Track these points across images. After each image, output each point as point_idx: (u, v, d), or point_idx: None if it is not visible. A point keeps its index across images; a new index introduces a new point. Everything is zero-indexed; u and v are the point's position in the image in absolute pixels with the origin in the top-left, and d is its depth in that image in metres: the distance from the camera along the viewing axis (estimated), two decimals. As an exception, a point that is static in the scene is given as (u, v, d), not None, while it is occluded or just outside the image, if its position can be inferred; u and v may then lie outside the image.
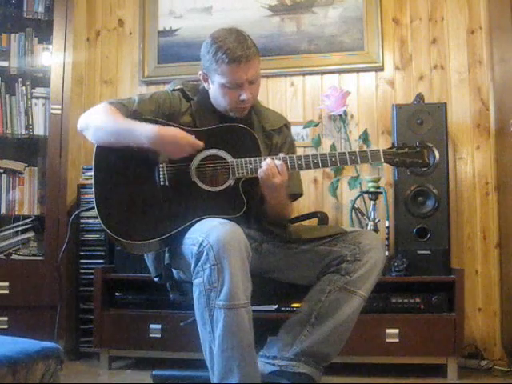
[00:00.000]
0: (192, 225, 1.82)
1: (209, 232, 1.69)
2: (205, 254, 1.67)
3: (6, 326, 2.87)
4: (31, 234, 3.12)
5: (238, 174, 1.90)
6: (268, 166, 1.85)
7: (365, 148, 3.12)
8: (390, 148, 1.94)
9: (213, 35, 1.96)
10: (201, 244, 1.68)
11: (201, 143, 1.88)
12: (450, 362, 2.64)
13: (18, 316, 2.91)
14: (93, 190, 1.91)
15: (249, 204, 1.91)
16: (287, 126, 2.18)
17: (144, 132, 1.83)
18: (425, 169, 1.98)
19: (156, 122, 1.90)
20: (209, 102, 2.04)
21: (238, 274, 1.65)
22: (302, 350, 1.89)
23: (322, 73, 3.34)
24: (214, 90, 1.97)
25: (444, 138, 2.85)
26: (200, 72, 2.00)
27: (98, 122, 1.92)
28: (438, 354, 2.65)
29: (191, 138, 1.86)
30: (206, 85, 2.01)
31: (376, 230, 2.91)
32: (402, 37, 3.27)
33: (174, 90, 2.07)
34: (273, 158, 1.86)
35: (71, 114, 3.05)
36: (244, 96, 1.93)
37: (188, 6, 3.47)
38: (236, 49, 1.88)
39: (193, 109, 2.02)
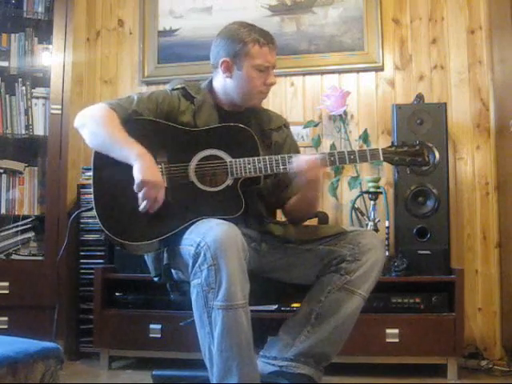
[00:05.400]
0: (190, 225, 1.82)
1: (206, 233, 1.69)
2: (202, 254, 1.67)
3: (5, 326, 2.87)
4: (31, 234, 3.13)
5: (237, 174, 1.90)
6: (302, 160, 1.87)
7: (365, 148, 3.12)
8: (390, 147, 1.94)
9: (235, 23, 2.02)
10: (198, 245, 1.68)
11: (161, 200, 1.84)
12: (449, 361, 2.64)
13: (18, 316, 2.91)
14: (91, 190, 1.91)
15: (247, 204, 1.91)
16: (286, 125, 2.19)
17: (133, 152, 1.83)
18: (425, 167, 1.98)
19: (154, 122, 1.92)
20: (212, 100, 2.04)
21: (236, 274, 1.65)
22: (302, 351, 1.89)
23: (322, 73, 3.34)
24: (241, 76, 1.97)
25: (444, 138, 2.85)
26: (222, 60, 1.98)
27: (91, 127, 1.93)
28: (437, 353, 2.65)
29: (162, 190, 1.83)
30: (225, 74, 1.99)
31: (376, 229, 2.91)
32: (402, 37, 3.27)
33: (173, 89, 2.07)
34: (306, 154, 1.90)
35: (71, 113, 3.04)
36: (271, 79, 1.99)
37: (188, 6, 3.47)
38: (266, 34, 1.99)
39: (195, 107, 2.02)
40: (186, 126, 1.97)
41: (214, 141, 1.94)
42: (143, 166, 1.81)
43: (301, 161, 1.89)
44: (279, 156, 1.92)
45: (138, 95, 2.02)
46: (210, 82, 2.08)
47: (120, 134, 1.88)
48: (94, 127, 1.92)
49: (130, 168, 1.86)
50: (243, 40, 1.95)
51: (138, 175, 1.81)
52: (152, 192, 1.82)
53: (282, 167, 1.91)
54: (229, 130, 1.96)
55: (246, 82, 1.98)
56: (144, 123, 1.95)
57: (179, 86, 2.06)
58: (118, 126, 1.90)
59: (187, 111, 2.01)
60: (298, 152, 2.17)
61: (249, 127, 1.99)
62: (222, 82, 2.03)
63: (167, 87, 2.10)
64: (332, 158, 1.91)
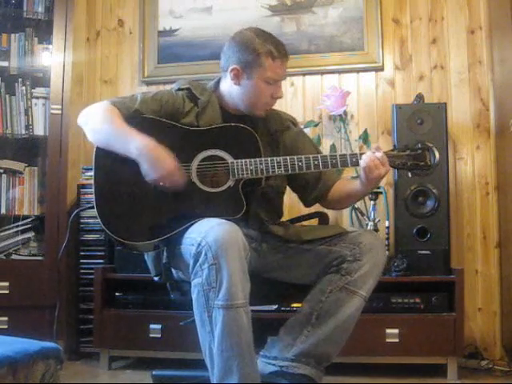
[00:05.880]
0: (191, 225, 1.81)
1: (207, 232, 1.69)
2: (203, 253, 1.67)
3: (5, 326, 2.87)
4: (31, 234, 3.12)
5: (238, 174, 1.90)
6: (370, 158, 1.85)
7: (365, 148, 3.12)
8: (392, 150, 1.94)
9: (251, 31, 1.99)
10: (199, 244, 1.68)
11: (183, 181, 1.84)
12: (450, 361, 2.64)
13: (18, 316, 2.91)
14: (92, 189, 1.91)
15: (248, 205, 1.91)
16: (294, 122, 2.18)
17: (134, 143, 1.82)
18: (426, 171, 1.96)
19: (156, 121, 1.92)
20: (217, 101, 2.03)
21: (237, 273, 1.65)
22: (303, 351, 1.89)
23: (322, 73, 3.33)
24: (249, 85, 1.96)
25: (444, 138, 2.84)
26: (232, 67, 1.96)
27: (95, 123, 1.92)
28: (438, 353, 2.65)
29: (177, 168, 1.82)
30: (233, 81, 1.98)
31: (376, 229, 2.91)
32: (402, 37, 3.27)
33: (178, 89, 2.06)
34: (373, 152, 1.87)
35: (71, 114, 3.04)
36: (279, 93, 1.98)
37: (188, 6, 3.47)
38: (281, 46, 1.98)
39: (199, 108, 2.01)
40: (188, 126, 1.96)
41: (216, 141, 1.94)
42: (150, 161, 1.80)
43: (368, 159, 1.86)
44: (281, 157, 1.92)
45: (142, 95, 2.01)
46: (218, 83, 2.07)
47: (123, 127, 1.87)
48: (97, 123, 1.91)
49: (131, 167, 1.86)
50: (257, 51, 1.93)
51: (149, 175, 1.81)
52: (172, 181, 1.82)
53: (283, 169, 1.91)
54: (231, 130, 1.96)
55: (254, 93, 1.96)
56: (146, 122, 1.94)
57: (185, 87, 2.05)
58: (121, 121, 1.89)
59: (191, 112, 2.01)
60: (317, 149, 2.17)
61: (255, 129, 1.98)
62: (228, 87, 2.01)
63: (173, 87, 2.09)
64: (334, 161, 1.91)
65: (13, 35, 3.17)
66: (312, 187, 2.11)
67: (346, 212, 3.15)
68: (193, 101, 2.02)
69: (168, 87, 2.16)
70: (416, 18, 3.26)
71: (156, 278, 2.05)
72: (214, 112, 2.01)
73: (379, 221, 2.96)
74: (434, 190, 2.82)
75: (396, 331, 2.66)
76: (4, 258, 3.05)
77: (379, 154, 1.86)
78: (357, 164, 1.91)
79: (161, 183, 1.82)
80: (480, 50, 3.17)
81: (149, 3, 3.51)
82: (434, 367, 2.69)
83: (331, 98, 3.12)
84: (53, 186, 3.06)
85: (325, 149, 3.19)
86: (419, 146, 1.92)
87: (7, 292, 2.93)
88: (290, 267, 2.02)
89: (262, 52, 1.93)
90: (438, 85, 3.21)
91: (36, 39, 3.20)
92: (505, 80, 2.97)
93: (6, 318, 2.90)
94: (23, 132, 3.14)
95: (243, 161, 1.90)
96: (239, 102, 2.00)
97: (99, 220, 1.86)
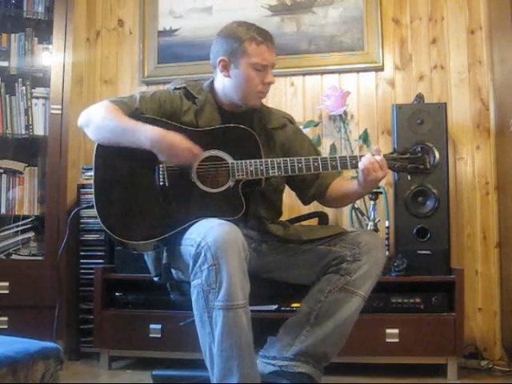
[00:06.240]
0: (190, 225, 1.81)
1: (206, 233, 1.69)
2: (203, 254, 1.67)
3: (5, 326, 2.87)
4: (31, 234, 3.13)
5: (238, 175, 1.90)
6: (369, 160, 1.85)
7: (365, 148, 3.13)
8: (391, 153, 1.94)
9: (234, 22, 2.01)
10: (198, 245, 1.68)
11: (200, 152, 1.86)
12: (449, 361, 2.64)
13: (18, 316, 2.91)
14: (92, 189, 1.91)
15: (248, 206, 1.91)
16: (291, 121, 2.17)
17: (145, 133, 1.82)
18: (426, 174, 1.96)
19: (156, 121, 1.91)
20: (214, 100, 2.03)
21: (236, 274, 1.65)
22: (302, 350, 1.89)
23: (322, 73, 3.34)
24: (238, 75, 1.96)
25: (444, 138, 2.84)
26: (220, 58, 1.97)
27: (98, 121, 1.91)
28: (437, 354, 2.65)
29: (192, 145, 1.84)
30: (223, 73, 1.98)
31: (376, 229, 2.91)
32: (402, 37, 3.27)
33: (175, 88, 2.06)
34: (373, 154, 1.87)
35: (71, 113, 3.04)
36: (269, 78, 1.98)
37: (188, 6, 3.47)
38: (264, 32, 1.98)
39: (197, 107, 2.01)
40: (187, 125, 1.96)
41: (216, 141, 1.94)
42: (166, 149, 1.82)
43: (366, 161, 1.86)
44: (281, 159, 1.92)
45: (141, 94, 2.02)
46: (212, 82, 2.07)
47: (128, 121, 1.87)
48: (101, 121, 1.90)
49: (131, 166, 1.86)
50: (240, 38, 1.94)
51: (170, 163, 1.85)
52: (192, 158, 1.85)
53: (283, 170, 1.91)
54: (231, 131, 1.96)
55: (244, 82, 1.96)
56: (147, 122, 1.92)
57: (181, 86, 2.06)
58: (124, 116, 1.90)
59: (189, 111, 2.01)
60: (314, 148, 2.17)
61: (252, 127, 1.98)
62: (221, 83, 2.02)
63: (169, 87, 2.09)
64: (334, 163, 1.91)
65: (13, 35, 3.17)
66: (310, 185, 2.11)
67: (345, 212, 3.15)
68: (190, 99, 2.03)
69: (168, 87, 2.16)
70: (416, 18, 3.26)
71: (156, 279, 2.05)
72: (212, 110, 2.02)
73: (379, 221, 2.96)
74: (434, 190, 2.82)
75: (396, 331, 2.66)
76: (4, 257, 3.05)
77: (378, 157, 1.86)
78: (356, 166, 1.90)
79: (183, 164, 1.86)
80: (480, 49, 3.17)
81: (149, 3, 3.51)
82: (434, 367, 2.69)
83: (331, 98, 3.12)
84: (53, 185, 3.06)
85: (325, 149, 3.19)
86: (419, 148, 1.92)
87: (7, 292, 2.93)
88: (289, 267, 2.02)
89: (246, 38, 1.94)
90: (438, 85, 3.21)
91: (36, 39, 3.20)
92: (505, 80, 2.97)
93: (5, 318, 2.90)
94: (23, 132, 3.14)
95: (243, 162, 1.90)
96: (233, 94, 2.00)
97: (99, 220, 1.86)
